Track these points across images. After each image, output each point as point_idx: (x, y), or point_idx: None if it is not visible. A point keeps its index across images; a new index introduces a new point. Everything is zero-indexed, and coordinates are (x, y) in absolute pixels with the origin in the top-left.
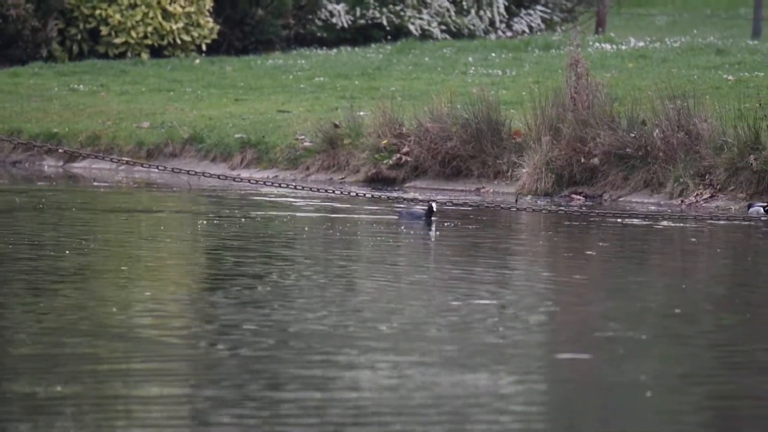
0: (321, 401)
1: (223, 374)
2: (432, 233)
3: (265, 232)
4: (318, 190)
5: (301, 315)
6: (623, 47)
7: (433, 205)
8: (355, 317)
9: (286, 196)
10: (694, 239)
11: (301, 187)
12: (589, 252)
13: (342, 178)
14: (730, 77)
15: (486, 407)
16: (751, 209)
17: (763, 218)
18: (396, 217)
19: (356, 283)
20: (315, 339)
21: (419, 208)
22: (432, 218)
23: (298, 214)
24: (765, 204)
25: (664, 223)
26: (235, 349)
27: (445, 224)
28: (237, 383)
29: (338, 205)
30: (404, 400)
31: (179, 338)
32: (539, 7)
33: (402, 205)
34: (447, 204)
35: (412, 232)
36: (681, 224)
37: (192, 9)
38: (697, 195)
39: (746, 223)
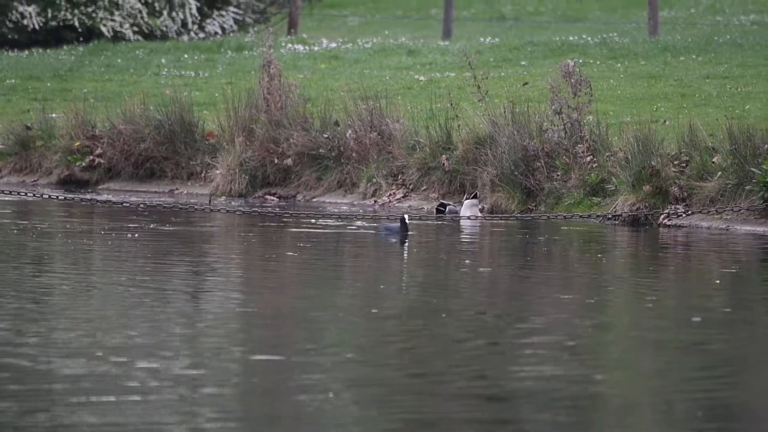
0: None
1: None
2: (404, 244)
3: None
4: (10, 192)
5: None
6: (316, 48)
7: (405, 217)
8: (42, 324)
9: None
10: (393, 240)
11: None
12: (288, 253)
13: (35, 180)
14: (422, 77)
15: (174, 407)
16: (447, 208)
17: (455, 217)
18: (374, 232)
19: (47, 289)
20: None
21: (393, 224)
22: (407, 231)
23: None
24: (451, 203)
25: (358, 223)
26: None
27: (135, 232)
28: None
29: (31, 208)
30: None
31: None
32: (231, 9)
33: (379, 222)
34: (140, 207)
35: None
36: (375, 224)
37: None
38: (390, 195)
39: (439, 222)
